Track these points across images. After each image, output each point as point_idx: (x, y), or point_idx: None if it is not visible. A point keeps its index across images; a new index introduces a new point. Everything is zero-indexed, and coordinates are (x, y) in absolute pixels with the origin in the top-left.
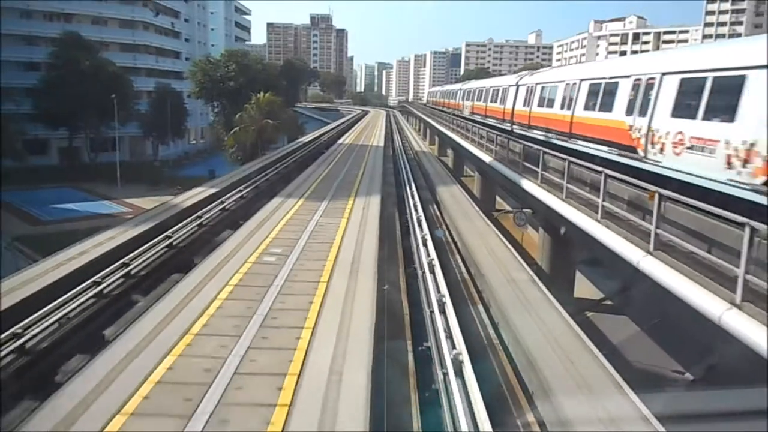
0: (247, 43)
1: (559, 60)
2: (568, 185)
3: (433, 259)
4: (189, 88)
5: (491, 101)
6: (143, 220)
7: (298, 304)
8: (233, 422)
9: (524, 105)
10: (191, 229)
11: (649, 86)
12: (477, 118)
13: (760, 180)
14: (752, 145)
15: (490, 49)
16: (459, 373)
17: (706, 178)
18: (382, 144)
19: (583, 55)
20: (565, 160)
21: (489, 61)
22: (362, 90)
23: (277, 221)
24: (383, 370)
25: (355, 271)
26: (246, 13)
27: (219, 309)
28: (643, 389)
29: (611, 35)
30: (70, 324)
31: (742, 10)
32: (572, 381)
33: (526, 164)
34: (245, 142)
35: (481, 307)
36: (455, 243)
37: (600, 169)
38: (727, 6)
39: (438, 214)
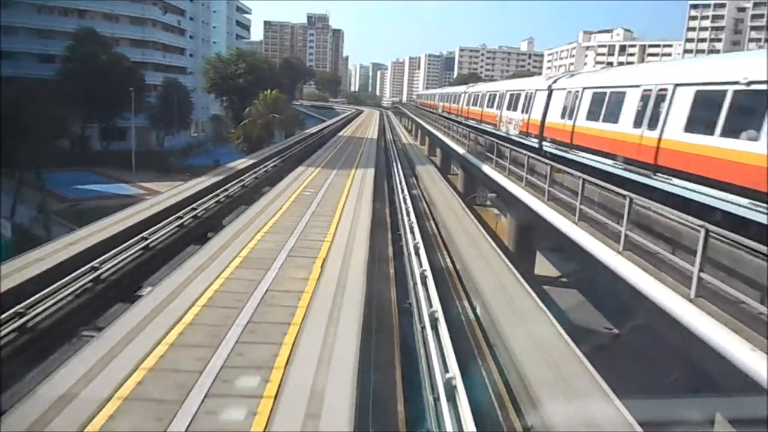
0: (245, 40)
1: (549, 68)
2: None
3: (408, 207)
4: (193, 83)
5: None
6: (214, 175)
7: (328, 212)
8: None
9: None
10: (249, 180)
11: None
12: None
13: None
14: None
15: (483, 54)
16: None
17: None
18: (376, 137)
19: (572, 64)
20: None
21: (482, 66)
22: (356, 90)
23: (306, 178)
24: (375, 237)
25: (358, 203)
26: (246, 12)
27: (283, 216)
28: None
29: (599, 46)
30: (157, 247)
31: (722, 28)
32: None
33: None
34: (252, 134)
35: (432, 223)
36: (424, 196)
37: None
38: (707, 23)
39: (414, 181)
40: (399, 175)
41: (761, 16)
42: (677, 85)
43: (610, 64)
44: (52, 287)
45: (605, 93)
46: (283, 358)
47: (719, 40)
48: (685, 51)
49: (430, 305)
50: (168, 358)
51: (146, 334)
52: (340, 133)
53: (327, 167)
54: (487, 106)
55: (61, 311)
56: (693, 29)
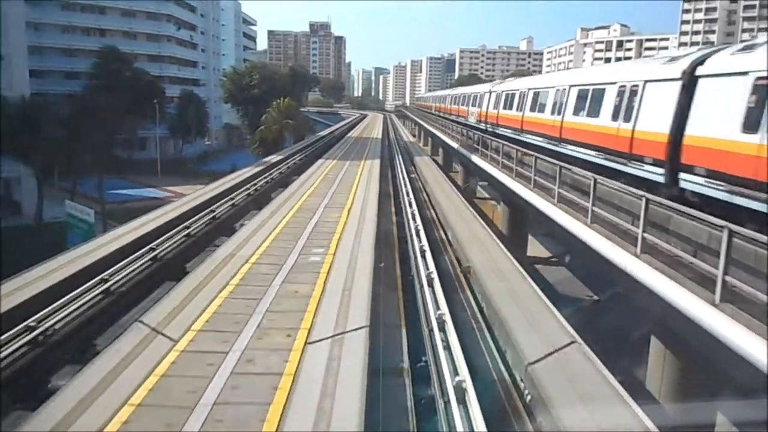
0: (251, 51)
1: (548, 66)
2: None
3: (407, 184)
4: (206, 94)
5: (471, 105)
6: (257, 166)
7: (346, 188)
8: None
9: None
10: (283, 169)
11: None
12: (462, 120)
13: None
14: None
15: (483, 55)
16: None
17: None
18: (380, 137)
19: (571, 61)
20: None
21: (482, 67)
22: (360, 95)
23: (326, 167)
24: (381, 202)
25: (369, 181)
26: (252, 24)
27: (315, 189)
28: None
29: (596, 42)
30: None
31: (715, 20)
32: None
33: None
34: (268, 138)
35: (425, 195)
36: (419, 179)
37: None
38: (700, 16)
39: (413, 168)
40: (400, 164)
41: (753, 6)
42: (571, 86)
43: (608, 59)
44: (155, 241)
45: (513, 93)
46: (335, 239)
47: (713, 32)
48: (680, 44)
49: (418, 236)
50: (279, 238)
51: (262, 233)
52: (348, 135)
53: (341, 160)
54: (462, 105)
55: (175, 250)
56: (687, 22)
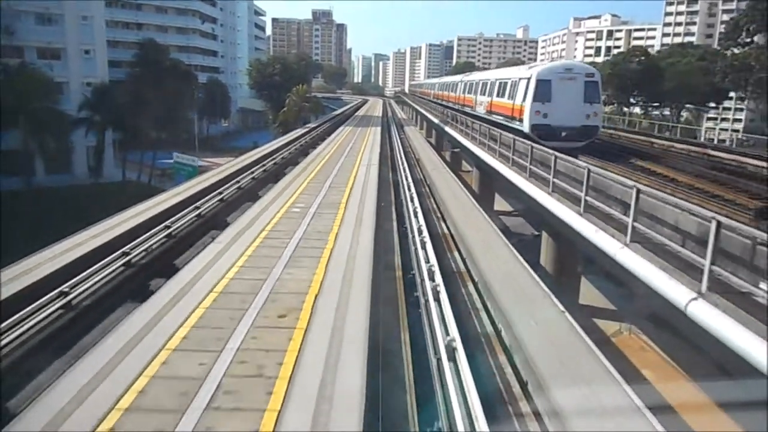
0: (261, 40)
1: (543, 54)
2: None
3: (400, 145)
4: (225, 81)
5: (449, 91)
6: (293, 133)
7: (360, 141)
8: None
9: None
10: (312, 136)
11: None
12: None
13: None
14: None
15: (480, 43)
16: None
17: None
18: (381, 116)
19: (564, 49)
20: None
21: (480, 54)
22: (360, 81)
23: (345, 132)
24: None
25: (374, 138)
26: (261, 15)
27: (341, 143)
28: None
29: (588, 32)
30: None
31: (696, 12)
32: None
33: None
34: (288, 118)
35: (410, 150)
36: (408, 142)
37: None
38: (683, 8)
39: (404, 133)
40: (394, 130)
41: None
42: (495, 79)
43: (599, 48)
44: (201, 201)
45: (470, 82)
46: (345, 198)
47: (694, 23)
48: (664, 35)
49: (405, 174)
50: (303, 195)
51: (287, 193)
52: (355, 114)
53: (355, 127)
54: (443, 91)
55: (216, 208)
56: (671, 14)
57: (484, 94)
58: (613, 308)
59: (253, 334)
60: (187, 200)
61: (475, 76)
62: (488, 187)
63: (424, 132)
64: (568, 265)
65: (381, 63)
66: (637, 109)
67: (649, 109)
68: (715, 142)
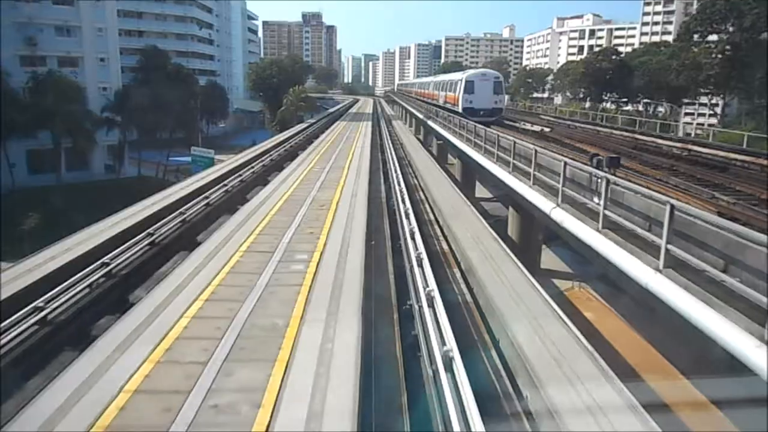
0: (254, 43)
1: (528, 52)
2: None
3: (388, 134)
4: (221, 83)
5: (424, 89)
6: (294, 129)
7: (354, 133)
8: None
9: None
10: (312, 130)
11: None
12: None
13: (460, 107)
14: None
15: (467, 42)
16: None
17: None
18: (371, 112)
19: (548, 48)
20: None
21: (467, 53)
22: (350, 81)
23: (340, 126)
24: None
25: (366, 131)
26: (254, 19)
27: (339, 133)
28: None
29: (571, 31)
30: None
31: (673, 11)
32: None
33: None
34: (285, 117)
35: (397, 140)
36: (394, 130)
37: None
38: (659, 8)
39: (392, 127)
40: (383, 124)
41: None
42: (446, 81)
43: (581, 47)
44: (212, 190)
45: (435, 82)
46: (347, 164)
47: (671, 22)
48: (642, 34)
49: (391, 152)
50: (302, 183)
51: (292, 178)
52: (348, 111)
53: (347, 124)
54: (421, 89)
55: (226, 195)
56: (648, 14)
57: (442, 91)
58: (569, 270)
59: (308, 215)
60: (218, 179)
61: (438, 78)
62: (469, 177)
63: (413, 129)
64: (532, 236)
65: (371, 63)
66: (609, 105)
67: (620, 104)
68: (680, 134)
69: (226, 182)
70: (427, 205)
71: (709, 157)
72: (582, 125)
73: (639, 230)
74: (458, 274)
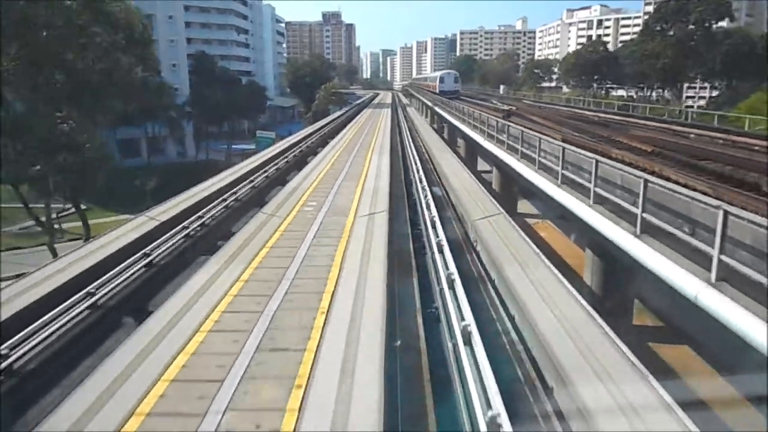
0: (281, 44)
1: (540, 43)
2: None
3: (403, 116)
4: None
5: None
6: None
7: (378, 118)
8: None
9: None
10: (344, 117)
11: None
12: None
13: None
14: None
15: (481, 36)
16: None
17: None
18: (390, 102)
19: (558, 39)
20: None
21: (481, 46)
22: (369, 76)
23: (366, 114)
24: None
25: (387, 116)
26: (281, 22)
27: (367, 118)
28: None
29: (580, 22)
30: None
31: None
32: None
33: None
34: (318, 110)
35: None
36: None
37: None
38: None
39: (406, 112)
40: (399, 110)
41: None
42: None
43: (590, 37)
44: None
45: (432, 76)
46: (383, 118)
47: None
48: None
49: (407, 132)
50: (356, 132)
51: (351, 132)
52: (372, 102)
53: (373, 110)
54: (424, 82)
55: (253, 191)
56: (650, 3)
57: (432, 82)
58: (536, 212)
59: (342, 185)
60: (296, 143)
61: (431, 75)
62: (472, 153)
63: (420, 111)
64: (512, 191)
65: (389, 58)
66: (603, 92)
67: (609, 90)
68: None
69: (301, 145)
70: (424, 151)
71: (607, 119)
72: (553, 106)
73: (550, 165)
74: (435, 177)
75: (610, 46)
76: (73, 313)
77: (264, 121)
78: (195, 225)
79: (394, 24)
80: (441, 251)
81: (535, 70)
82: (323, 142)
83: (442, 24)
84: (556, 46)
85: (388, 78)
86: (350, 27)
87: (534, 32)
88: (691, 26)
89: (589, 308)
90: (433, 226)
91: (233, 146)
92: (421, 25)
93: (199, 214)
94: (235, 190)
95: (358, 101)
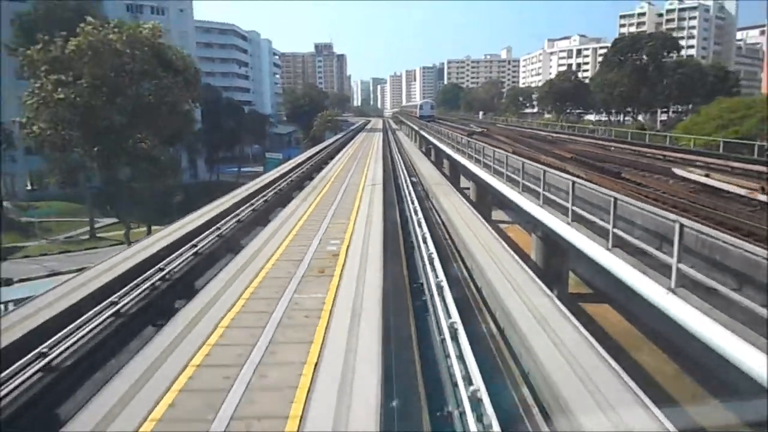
0: (277, 76)
1: (524, 71)
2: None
3: (393, 137)
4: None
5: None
6: (326, 142)
7: (372, 142)
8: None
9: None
10: (341, 140)
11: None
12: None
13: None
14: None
15: (468, 64)
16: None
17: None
18: (381, 128)
19: (540, 67)
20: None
21: (467, 74)
22: (359, 104)
23: (361, 137)
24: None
25: (379, 139)
26: (277, 54)
27: (362, 142)
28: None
29: (560, 51)
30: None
31: (644, 32)
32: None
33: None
34: (315, 135)
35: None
36: (399, 140)
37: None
38: (633, 29)
39: (395, 135)
40: (390, 134)
41: (673, 20)
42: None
43: (570, 65)
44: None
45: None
46: (376, 141)
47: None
48: None
49: (397, 146)
50: (356, 150)
51: (349, 151)
52: (365, 127)
53: (366, 135)
54: (410, 109)
55: (311, 166)
56: (624, 35)
57: (414, 109)
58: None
59: (360, 159)
60: (297, 166)
61: (413, 103)
62: (455, 172)
63: (407, 133)
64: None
65: (379, 86)
66: (569, 116)
67: (580, 116)
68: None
69: (306, 163)
70: (409, 162)
71: (556, 137)
72: (521, 129)
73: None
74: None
75: (590, 74)
76: (152, 279)
77: (262, 148)
78: (245, 214)
79: (385, 53)
80: (412, 202)
81: (519, 98)
82: (333, 154)
83: (431, 53)
84: (538, 74)
85: (379, 105)
86: (341, 57)
87: (518, 61)
88: (645, 58)
89: (531, 272)
90: (409, 193)
91: (244, 169)
92: (411, 54)
93: (251, 202)
94: (274, 186)
95: (353, 127)
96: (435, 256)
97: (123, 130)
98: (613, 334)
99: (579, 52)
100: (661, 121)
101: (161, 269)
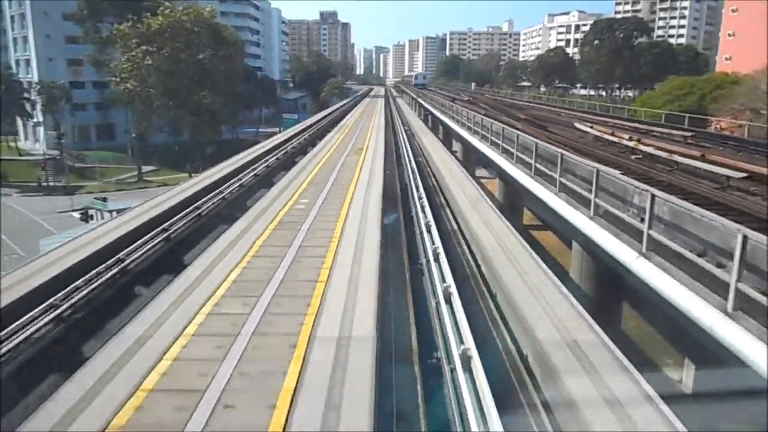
0: (284, 42)
1: (524, 45)
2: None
3: (393, 101)
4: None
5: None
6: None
7: (377, 103)
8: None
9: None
10: (350, 103)
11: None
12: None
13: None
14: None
15: (469, 36)
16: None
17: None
18: (384, 94)
19: (540, 41)
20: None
21: (469, 46)
22: (362, 72)
23: (367, 102)
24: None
25: (381, 102)
26: (285, 23)
27: (368, 104)
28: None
29: (559, 26)
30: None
31: (639, 10)
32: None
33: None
34: (323, 101)
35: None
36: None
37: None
38: (629, 8)
39: (396, 102)
40: (391, 101)
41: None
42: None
43: (568, 41)
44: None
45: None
46: (381, 102)
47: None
48: None
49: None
50: (365, 109)
51: (360, 109)
52: (369, 94)
53: (371, 99)
54: (408, 79)
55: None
56: (619, 12)
57: (412, 79)
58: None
59: (366, 116)
60: (323, 117)
61: (412, 73)
62: (436, 125)
63: (406, 98)
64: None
65: (382, 55)
66: (557, 90)
67: (567, 89)
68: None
69: (326, 118)
70: (406, 119)
71: (528, 106)
72: (504, 99)
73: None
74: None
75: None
76: (185, 220)
77: (271, 112)
78: (279, 154)
79: (388, 21)
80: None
81: (516, 71)
82: (347, 112)
83: (435, 24)
84: (538, 48)
85: (381, 74)
86: (346, 26)
87: (519, 34)
88: (620, 39)
89: (504, 218)
90: (406, 148)
91: (262, 129)
92: (415, 22)
93: (283, 147)
94: (310, 129)
95: (357, 93)
96: (412, 158)
97: (190, 90)
98: (550, 250)
99: (577, 27)
100: (635, 96)
101: (220, 192)
